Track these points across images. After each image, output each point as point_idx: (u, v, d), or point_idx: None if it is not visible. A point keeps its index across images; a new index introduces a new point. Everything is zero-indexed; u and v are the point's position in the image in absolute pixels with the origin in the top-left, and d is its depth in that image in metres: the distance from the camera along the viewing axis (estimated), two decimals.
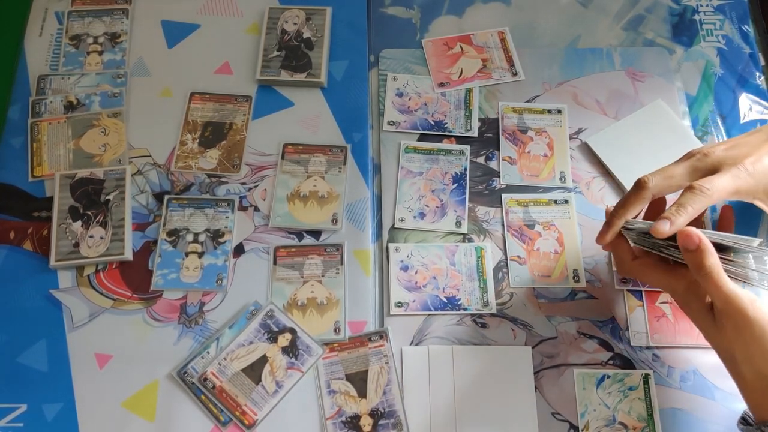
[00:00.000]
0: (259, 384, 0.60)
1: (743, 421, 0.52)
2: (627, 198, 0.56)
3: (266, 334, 0.62)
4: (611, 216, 0.56)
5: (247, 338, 0.62)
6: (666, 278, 0.55)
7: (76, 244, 0.65)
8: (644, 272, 0.57)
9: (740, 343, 0.50)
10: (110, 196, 0.67)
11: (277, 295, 0.64)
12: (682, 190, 0.54)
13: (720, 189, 0.52)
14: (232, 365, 0.60)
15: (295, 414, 0.60)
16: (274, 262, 0.65)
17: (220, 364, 0.60)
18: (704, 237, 0.50)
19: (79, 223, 0.66)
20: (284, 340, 0.61)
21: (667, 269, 0.56)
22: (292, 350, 0.61)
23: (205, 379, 0.60)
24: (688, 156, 0.56)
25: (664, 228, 0.52)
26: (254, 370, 0.60)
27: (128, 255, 0.65)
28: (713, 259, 0.50)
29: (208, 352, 0.61)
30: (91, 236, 0.65)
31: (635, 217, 0.57)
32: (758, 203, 0.56)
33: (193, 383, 0.60)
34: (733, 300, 0.49)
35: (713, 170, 0.54)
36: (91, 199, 0.67)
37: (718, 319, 0.51)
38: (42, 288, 0.64)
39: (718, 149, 0.55)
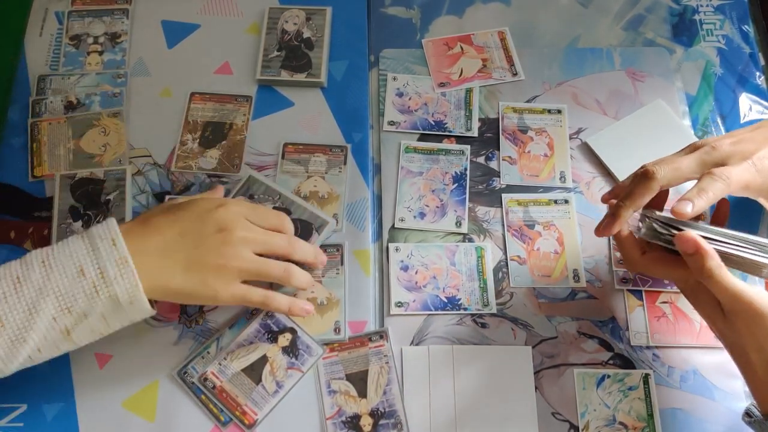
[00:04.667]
0: (260, 384, 0.60)
1: (747, 414, 0.52)
2: (634, 188, 0.54)
3: (266, 334, 0.62)
4: (618, 207, 0.55)
5: (248, 338, 0.62)
6: (676, 271, 0.55)
7: None
8: (654, 266, 0.57)
9: (750, 335, 0.50)
10: (111, 197, 0.67)
11: None
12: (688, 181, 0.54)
13: (737, 179, 0.52)
14: (232, 365, 0.60)
15: (295, 414, 0.60)
16: None
17: (220, 364, 0.60)
18: (701, 239, 0.50)
19: (80, 223, 0.66)
20: (284, 340, 0.61)
21: (676, 262, 0.55)
22: (292, 350, 0.61)
23: (205, 379, 0.60)
24: (694, 148, 0.55)
25: (686, 209, 0.51)
26: (254, 370, 0.60)
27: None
28: (713, 261, 0.50)
29: (208, 352, 0.61)
30: None
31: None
32: (763, 201, 0.56)
33: (193, 383, 0.60)
34: (741, 297, 0.49)
35: (721, 164, 0.54)
36: (91, 199, 0.67)
37: (728, 316, 0.51)
38: None
39: (725, 143, 0.54)
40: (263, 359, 0.61)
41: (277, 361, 0.61)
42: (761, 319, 0.49)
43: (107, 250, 0.50)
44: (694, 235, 0.50)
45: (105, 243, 0.51)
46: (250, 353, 0.61)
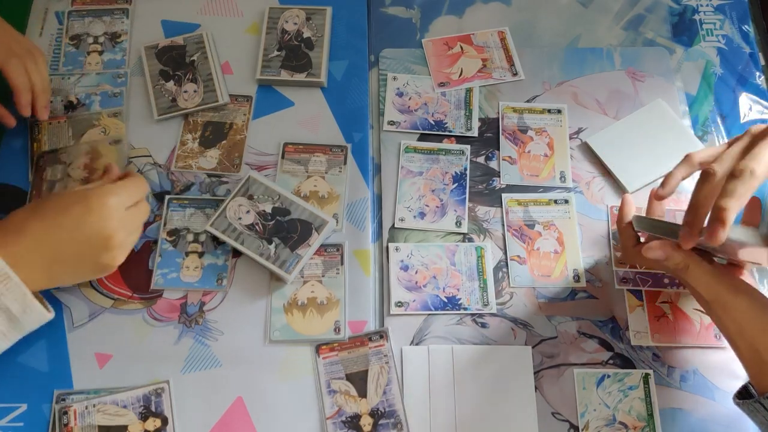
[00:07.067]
0: None
1: (740, 394, 0.53)
2: (737, 188, 0.48)
3: (142, 407, 0.59)
4: (723, 210, 0.48)
5: (125, 400, 0.59)
6: (658, 264, 0.57)
7: (173, 100, 0.72)
8: (642, 257, 0.58)
9: (730, 321, 0.52)
10: (194, 57, 0.74)
11: (277, 295, 0.64)
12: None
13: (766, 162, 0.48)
14: (95, 415, 0.58)
15: (295, 414, 0.60)
16: None
17: (86, 407, 0.58)
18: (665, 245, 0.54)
19: (172, 82, 0.73)
20: (152, 424, 0.58)
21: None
22: None
23: (65, 413, 0.58)
24: (735, 140, 0.53)
25: (721, 236, 0.48)
26: None
27: (224, 99, 0.72)
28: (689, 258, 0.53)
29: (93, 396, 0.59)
30: (185, 91, 0.72)
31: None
32: None
33: (61, 409, 0.58)
34: (713, 286, 0.52)
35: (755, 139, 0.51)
36: (176, 62, 0.74)
37: (709, 305, 0.54)
38: None
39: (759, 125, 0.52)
40: (123, 428, 0.58)
41: None
42: (734, 303, 0.51)
43: None
44: (659, 244, 0.54)
45: None
46: (117, 416, 0.58)
